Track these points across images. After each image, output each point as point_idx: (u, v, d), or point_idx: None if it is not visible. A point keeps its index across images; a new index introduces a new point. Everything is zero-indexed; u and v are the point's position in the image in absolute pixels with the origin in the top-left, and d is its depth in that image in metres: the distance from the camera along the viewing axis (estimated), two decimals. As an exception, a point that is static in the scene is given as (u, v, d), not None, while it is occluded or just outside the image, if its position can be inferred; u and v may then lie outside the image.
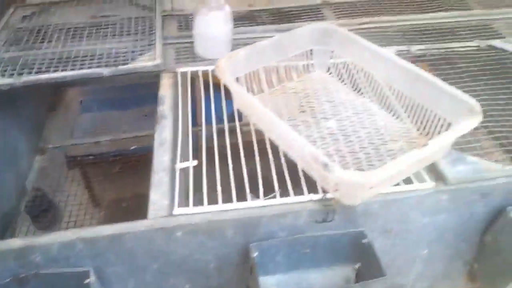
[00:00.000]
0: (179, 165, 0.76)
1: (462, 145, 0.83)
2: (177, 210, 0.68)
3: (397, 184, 0.74)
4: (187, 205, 0.69)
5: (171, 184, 0.73)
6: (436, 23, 1.21)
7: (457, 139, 0.72)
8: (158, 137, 0.81)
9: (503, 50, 1.09)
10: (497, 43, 1.11)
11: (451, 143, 0.74)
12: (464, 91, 0.99)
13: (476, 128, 0.72)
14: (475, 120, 0.71)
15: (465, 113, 0.73)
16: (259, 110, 0.75)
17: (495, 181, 0.77)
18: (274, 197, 0.71)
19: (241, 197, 0.71)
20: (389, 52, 0.87)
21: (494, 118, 0.91)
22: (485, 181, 0.76)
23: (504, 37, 1.16)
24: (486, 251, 0.85)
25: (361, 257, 0.75)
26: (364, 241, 0.73)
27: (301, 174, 0.75)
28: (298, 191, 0.73)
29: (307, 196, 0.71)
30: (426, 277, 0.90)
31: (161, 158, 0.77)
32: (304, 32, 0.94)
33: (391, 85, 0.87)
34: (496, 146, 0.89)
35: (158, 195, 0.71)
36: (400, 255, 0.83)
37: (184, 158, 0.77)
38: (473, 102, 0.74)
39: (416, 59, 1.07)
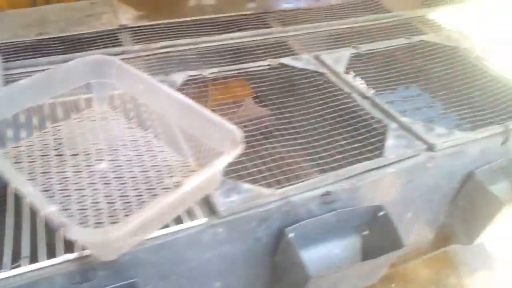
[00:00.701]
0: None
1: (240, 172, 0.83)
2: None
3: (166, 226, 0.71)
4: None
5: None
6: (235, 43, 1.23)
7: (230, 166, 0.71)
8: None
9: (292, 67, 1.14)
10: (286, 60, 1.16)
11: (217, 175, 0.73)
12: (269, 109, 1.03)
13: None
14: (236, 150, 0.71)
15: (229, 142, 0.73)
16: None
17: (269, 206, 0.78)
18: (20, 265, 0.62)
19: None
20: (162, 83, 0.84)
21: (303, 135, 0.95)
22: (259, 207, 0.77)
23: (297, 54, 1.22)
24: (278, 271, 0.87)
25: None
26: (135, 293, 0.68)
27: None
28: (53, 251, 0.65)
29: (62, 257, 0.64)
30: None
31: None
32: (78, 65, 0.87)
33: (169, 117, 0.85)
34: (308, 161, 0.92)
35: None
36: (189, 294, 0.80)
37: None
38: (235, 131, 0.74)
39: (209, 83, 1.07)
